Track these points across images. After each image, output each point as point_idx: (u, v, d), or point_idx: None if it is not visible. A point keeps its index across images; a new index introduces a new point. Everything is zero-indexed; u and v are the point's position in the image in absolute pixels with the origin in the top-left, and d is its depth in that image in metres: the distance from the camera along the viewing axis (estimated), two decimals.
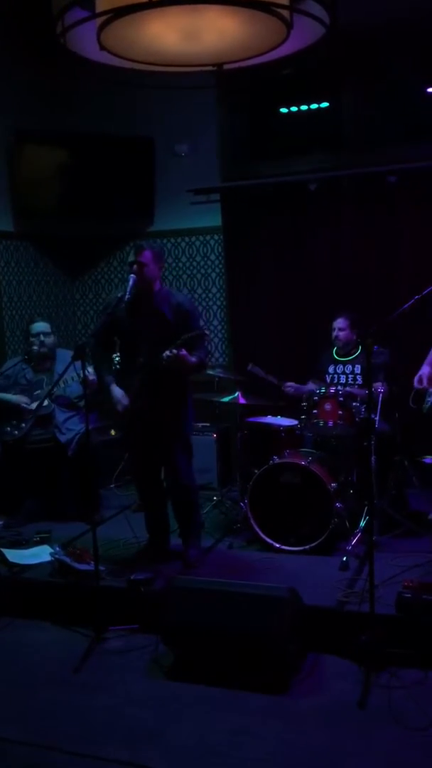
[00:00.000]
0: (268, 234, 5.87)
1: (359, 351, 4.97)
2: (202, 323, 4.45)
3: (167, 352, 3.72)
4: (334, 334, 4.98)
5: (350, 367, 4.97)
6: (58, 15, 3.00)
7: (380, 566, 3.53)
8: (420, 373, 4.21)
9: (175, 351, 3.71)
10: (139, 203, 6.16)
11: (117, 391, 4.01)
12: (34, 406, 4.89)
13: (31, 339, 5.01)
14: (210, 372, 5.16)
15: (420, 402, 4.31)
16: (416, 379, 4.20)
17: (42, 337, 4.98)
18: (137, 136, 6.05)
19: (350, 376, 4.96)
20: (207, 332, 3.92)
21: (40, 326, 5.02)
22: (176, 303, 3.97)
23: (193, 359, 3.83)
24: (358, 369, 4.94)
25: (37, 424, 4.90)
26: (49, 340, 5.02)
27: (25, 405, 4.92)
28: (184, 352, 3.74)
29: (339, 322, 4.97)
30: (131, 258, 3.92)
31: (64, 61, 3.39)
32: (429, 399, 4.28)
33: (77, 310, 6.74)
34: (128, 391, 3.99)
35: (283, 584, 3.44)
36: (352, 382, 4.91)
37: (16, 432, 4.90)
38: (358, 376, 4.92)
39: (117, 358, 4.15)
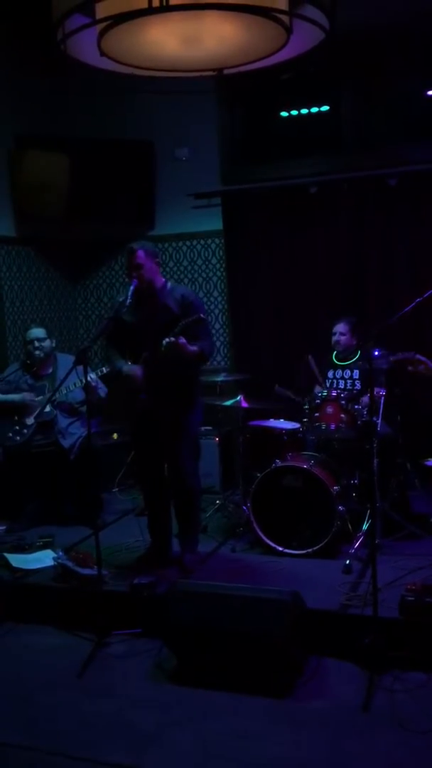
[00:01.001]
0: (268, 237, 5.88)
1: (357, 356, 4.91)
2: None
3: (166, 339, 3.71)
4: (335, 338, 4.94)
5: (348, 372, 4.92)
6: (59, 22, 3.01)
7: (383, 569, 3.53)
8: None
9: (173, 338, 3.71)
10: (139, 207, 6.16)
11: (129, 366, 3.97)
12: (39, 399, 4.93)
13: (28, 346, 5.07)
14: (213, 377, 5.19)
15: None
16: None
17: (37, 343, 5.04)
18: (137, 141, 6.06)
19: (349, 381, 4.91)
20: (203, 316, 3.90)
21: (35, 333, 5.08)
22: (180, 295, 3.99)
23: (194, 348, 3.82)
24: (356, 374, 4.87)
25: (40, 430, 4.94)
26: (45, 344, 5.06)
27: (30, 401, 4.95)
28: (183, 339, 3.73)
29: (339, 327, 4.93)
30: (126, 263, 3.95)
31: (64, 66, 3.40)
32: None
33: (79, 315, 6.75)
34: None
35: (286, 587, 3.43)
36: (350, 388, 4.88)
37: (18, 438, 4.91)
38: (356, 381, 4.87)
39: None
